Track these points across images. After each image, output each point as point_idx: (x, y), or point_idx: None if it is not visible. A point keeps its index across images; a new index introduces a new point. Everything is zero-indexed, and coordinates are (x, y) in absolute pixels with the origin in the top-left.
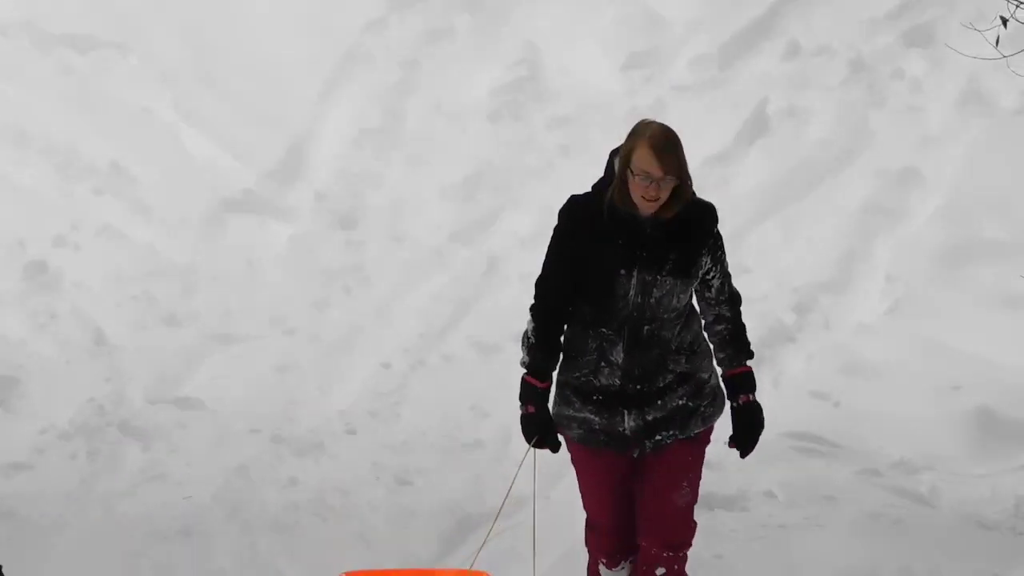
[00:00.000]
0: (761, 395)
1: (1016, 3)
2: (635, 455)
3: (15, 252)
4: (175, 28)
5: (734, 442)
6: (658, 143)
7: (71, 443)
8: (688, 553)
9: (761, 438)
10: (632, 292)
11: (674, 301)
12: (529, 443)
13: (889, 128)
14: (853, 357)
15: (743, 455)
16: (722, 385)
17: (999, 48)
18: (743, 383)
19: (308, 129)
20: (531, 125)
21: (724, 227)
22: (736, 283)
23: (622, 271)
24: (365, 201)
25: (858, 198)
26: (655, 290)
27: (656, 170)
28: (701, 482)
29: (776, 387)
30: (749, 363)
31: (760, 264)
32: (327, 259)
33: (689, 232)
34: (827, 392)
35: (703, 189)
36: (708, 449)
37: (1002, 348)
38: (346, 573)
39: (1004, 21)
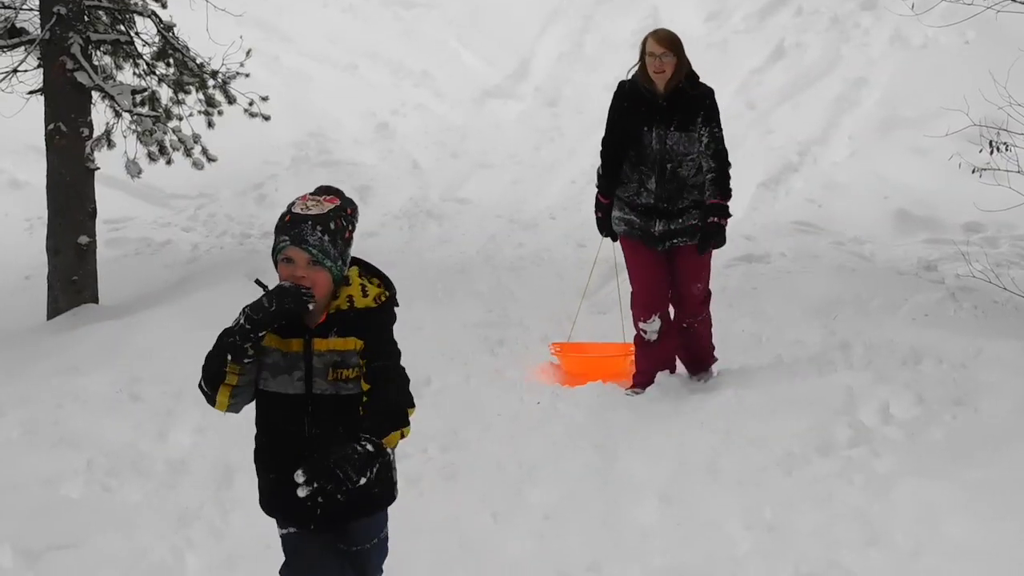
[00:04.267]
0: (776, 201)
1: None
2: (660, 249)
3: (368, 118)
4: None
5: (697, 246)
6: (658, 34)
7: (399, 221)
8: (707, 314)
9: (777, 223)
10: (654, 141)
11: (681, 148)
12: (603, 235)
13: (851, 55)
14: (830, 180)
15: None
16: None
17: (914, 10)
18: (713, 210)
19: (531, 51)
20: None
21: (760, 108)
22: (764, 139)
23: (645, 128)
24: (561, 92)
25: (833, 92)
26: (668, 140)
27: (656, 48)
28: (741, 247)
29: (787, 196)
30: (726, 201)
31: (779, 128)
32: (540, 123)
33: (690, 103)
34: (815, 199)
35: (748, 87)
36: (747, 228)
37: (912, 176)
38: (554, 343)
39: None
